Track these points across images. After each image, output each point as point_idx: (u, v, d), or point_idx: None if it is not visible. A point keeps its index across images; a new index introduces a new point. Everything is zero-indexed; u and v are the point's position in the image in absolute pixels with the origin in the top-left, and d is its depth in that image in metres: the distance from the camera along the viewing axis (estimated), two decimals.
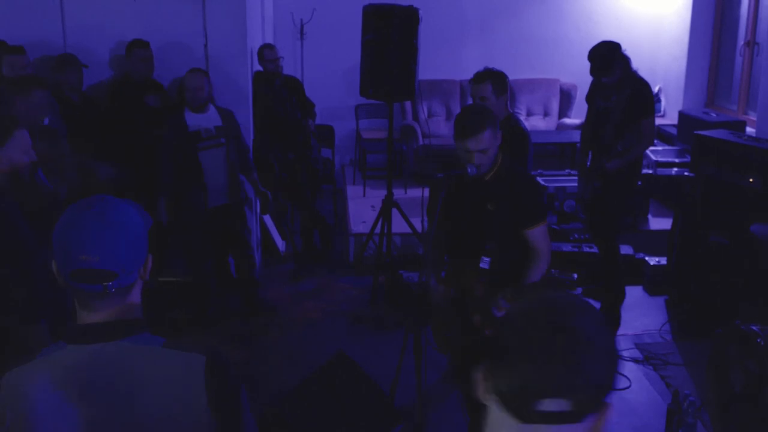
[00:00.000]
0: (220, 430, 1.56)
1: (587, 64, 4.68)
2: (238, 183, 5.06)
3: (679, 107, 7.75)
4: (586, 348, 1.10)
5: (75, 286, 1.52)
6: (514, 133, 3.99)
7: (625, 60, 4.67)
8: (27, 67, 4.62)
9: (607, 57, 4.63)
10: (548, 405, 1.08)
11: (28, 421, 1.50)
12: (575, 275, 5.40)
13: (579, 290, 5.35)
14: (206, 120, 4.84)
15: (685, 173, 6.30)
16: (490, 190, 3.15)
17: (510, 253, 3.17)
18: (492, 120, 3.10)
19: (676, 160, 6.73)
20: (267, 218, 6.41)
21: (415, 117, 8.19)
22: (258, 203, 5.72)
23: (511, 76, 8.77)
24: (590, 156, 4.93)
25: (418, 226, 5.54)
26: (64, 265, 1.51)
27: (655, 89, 8.09)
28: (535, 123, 8.24)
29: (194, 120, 4.81)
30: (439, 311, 3.30)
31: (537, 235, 3.16)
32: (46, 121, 4.01)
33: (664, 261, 5.46)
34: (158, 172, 4.82)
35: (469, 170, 3.07)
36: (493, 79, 4.12)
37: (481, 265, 3.13)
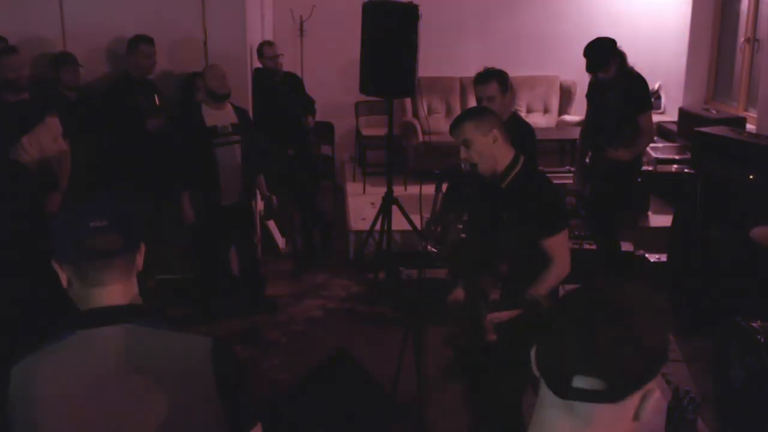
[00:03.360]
0: (227, 411, 1.57)
1: None
2: (250, 182, 5.02)
3: (680, 104, 7.75)
4: (627, 338, 1.11)
5: None
6: (519, 126, 4.01)
7: (621, 56, 4.66)
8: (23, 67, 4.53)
9: (602, 53, 4.62)
10: (582, 382, 1.11)
11: (39, 411, 1.49)
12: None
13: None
14: (223, 117, 4.79)
15: (686, 170, 6.29)
16: (504, 199, 3.02)
17: (523, 263, 3.04)
18: (479, 116, 2.98)
19: (677, 157, 6.72)
20: None
21: (415, 114, 8.17)
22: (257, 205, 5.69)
23: (511, 73, 8.71)
24: (590, 154, 4.93)
25: (418, 223, 5.53)
26: None
27: (656, 86, 8.08)
28: (535, 120, 8.21)
29: (211, 116, 4.75)
30: (455, 310, 3.25)
31: (555, 244, 2.98)
32: None
33: (664, 258, 5.45)
34: (174, 167, 4.74)
35: (462, 165, 3.03)
36: (497, 77, 4.10)
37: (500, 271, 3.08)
